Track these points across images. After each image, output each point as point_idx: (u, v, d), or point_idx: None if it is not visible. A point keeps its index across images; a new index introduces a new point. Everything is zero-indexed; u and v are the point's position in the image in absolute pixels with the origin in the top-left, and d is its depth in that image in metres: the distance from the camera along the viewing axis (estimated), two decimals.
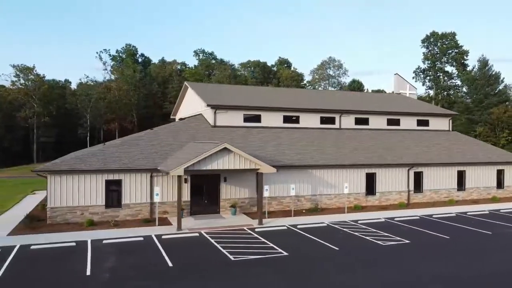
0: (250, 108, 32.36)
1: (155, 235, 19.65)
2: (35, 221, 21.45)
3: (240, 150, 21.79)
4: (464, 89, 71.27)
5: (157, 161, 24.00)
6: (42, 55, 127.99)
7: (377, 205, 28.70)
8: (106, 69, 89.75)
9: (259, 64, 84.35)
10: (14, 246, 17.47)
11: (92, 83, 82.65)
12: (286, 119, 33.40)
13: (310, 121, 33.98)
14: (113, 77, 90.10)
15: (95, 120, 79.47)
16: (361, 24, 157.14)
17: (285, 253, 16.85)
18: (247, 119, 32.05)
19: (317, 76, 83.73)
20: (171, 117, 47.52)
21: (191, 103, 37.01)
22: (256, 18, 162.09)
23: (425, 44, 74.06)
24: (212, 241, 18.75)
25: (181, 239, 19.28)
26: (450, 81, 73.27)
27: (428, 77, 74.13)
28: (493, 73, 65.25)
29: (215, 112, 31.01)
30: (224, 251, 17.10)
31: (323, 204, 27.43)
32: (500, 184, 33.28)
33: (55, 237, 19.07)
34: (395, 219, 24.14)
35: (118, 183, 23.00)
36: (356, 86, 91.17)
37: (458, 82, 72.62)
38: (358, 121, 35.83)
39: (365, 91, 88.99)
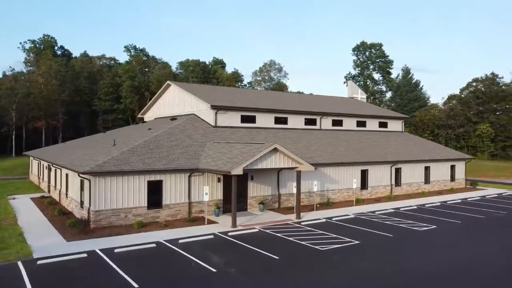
0: (247, 109, 33.69)
1: (219, 232, 20.32)
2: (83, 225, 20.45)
3: (286, 150, 23.32)
4: (388, 95, 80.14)
5: (193, 161, 24.34)
6: None
7: (370, 198, 32.26)
8: (29, 62, 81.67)
9: (199, 63, 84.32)
10: (93, 251, 16.90)
11: (16, 75, 74.76)
12: (277, 120, 35.50)
13: (296, 122, 36.54)
14: (28, 69, 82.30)
15: (21, 117, 72.16)
16: (296, 29, 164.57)
17: (357, 241, 19.02)
18: (244, 119, 33.39)
19: (259, 78, 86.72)
20: (140, 116, 46.23)
21: (179, 103, 36.91)
22: (186, 16, 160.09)
23: (355, 53, 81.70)
24: (279, 235, 20.12)
25: (248, 234, 20.25)
26: (377, 87, 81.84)
27: (358, 83, 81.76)
28: (414, 81, 74.65)
29: (216, 113, 31.77)
30: (303, 242, 18.68)
31: (329, 198, 30.08)
32: (452, 177, 39.41)
33: (123, 239, 18.69)
34: (401, 209, 27.79)
35: (159, 183, 22.91)
36: (280, 87, 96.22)
37: (383, 88, 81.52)
38: (334, 123, 39.40)
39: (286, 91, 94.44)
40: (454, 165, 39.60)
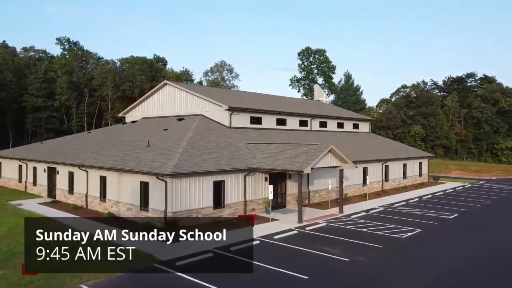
0: (256, 111, 35.07)
1: (295, 228, 21.70)
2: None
3: (339, 150, 25.36)
4: (330, 98, 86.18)
5: (245, 161, 25.20)
6: None
7: (370, 192, 35.56)
8: None
9: (146, 61, 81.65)
10: (209, 250, 17.29)
11: None
12: (278, 122, 37.40)
13: (292, 123, 38.80)
14: None
15: None
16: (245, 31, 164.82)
17: (419, 229, 21.88)
18: (252, 121, 34.69)
19: (210, 78, 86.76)
20: (120, 115, 44.31)
21: (179, 103, 36.66)
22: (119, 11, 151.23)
23: (301, 57, 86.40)
24: (349, 227, 22.19)
25: (322, 228, 21.97)
26: None
27: (303, 86, 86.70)
28: (355, 85, 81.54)
29: (231, 114, 32.63)
30: (379, 233, 21.00)
31: (345, 194, 32.68)
32: (420, 173, 44.98)
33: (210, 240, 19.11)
34: (409, 201, 31.62)
35: (222, 183, 23.41)
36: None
37: (326, 92, 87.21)
38: (321, 124, 42.45)
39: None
40: (421, 162, 45.23)
